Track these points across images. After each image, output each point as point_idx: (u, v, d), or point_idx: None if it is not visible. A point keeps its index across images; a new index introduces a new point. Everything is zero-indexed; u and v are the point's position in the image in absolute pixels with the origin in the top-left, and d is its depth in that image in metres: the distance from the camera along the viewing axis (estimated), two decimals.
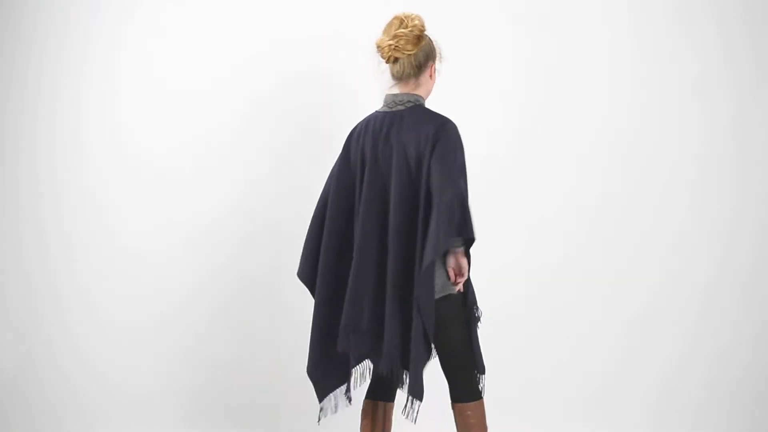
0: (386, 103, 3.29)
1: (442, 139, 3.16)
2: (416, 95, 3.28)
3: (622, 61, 4.52)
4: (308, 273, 3.37)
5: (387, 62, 3.27)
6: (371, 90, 4.37)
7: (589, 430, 4.40)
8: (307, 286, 3.39)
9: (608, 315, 4.50)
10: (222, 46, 4.48)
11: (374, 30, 4.33)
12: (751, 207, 4.52)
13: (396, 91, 3.30)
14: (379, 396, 3.37)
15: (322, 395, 3.34)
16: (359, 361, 3.31)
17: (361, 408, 3.42)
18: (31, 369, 4.47)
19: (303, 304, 4.36)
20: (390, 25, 3.26)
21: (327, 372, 3.32)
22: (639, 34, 4.52)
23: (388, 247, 3.19)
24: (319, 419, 3.36)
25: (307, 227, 3.38)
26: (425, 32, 3.27)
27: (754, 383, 4.48)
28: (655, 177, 4.51)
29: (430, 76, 3.31)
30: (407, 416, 3.17)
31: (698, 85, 4.52)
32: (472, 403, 3.27)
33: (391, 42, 3.23)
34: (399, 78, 3.28)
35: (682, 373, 4.49)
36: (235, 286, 4.46)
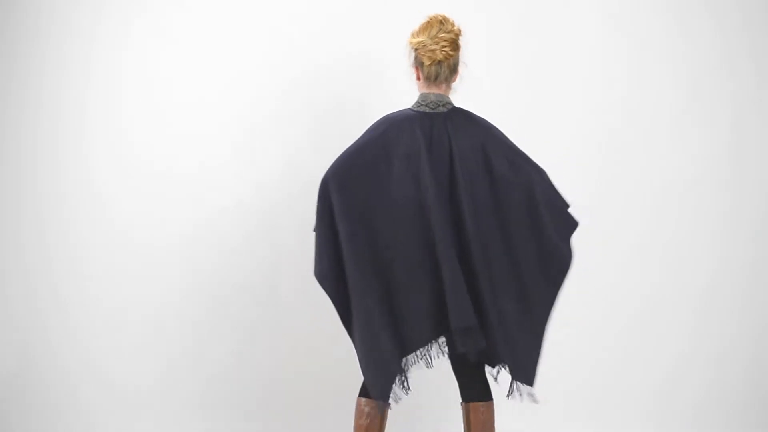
0: (426, 103, 3.29)
1: (496, 136, 3.31)
2: (449, 97, 3.33)
3: (621, 61, 4.52)
4: (330, 272, 3.22)
5: (429, 65, 3.26)
6: (377, 92, 4.40)
7: (590, 429, 4.41)
8: (327, 286, 3.22)
9: (608, 314, 4.50)
10: (225, 48, 4.48)
11: (377, 30, 4.40)
12: (751, 206, 4.52)
13: (428, 92, 3.30)
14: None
15: (384, 393, 3.20)
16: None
17: (359, 407, 3.31)
18: (31, 368, 4.47)
19: (301, 303, 4.41)
20: (429, 26, 3.26)
21: (383, 371, 3.21)
22: (637, 34, 4.52)
23: (472, 250, 3.16)
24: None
25: (317, 218, 3.23)
26: (461, 36, 3.30)
27: (756, 383, 4.49)
28: (655, 177, 4.52)
29: (455, 79, 3.35)
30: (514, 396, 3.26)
31: (697, 85, 4.52)
32: (486, 402, 3.32)
33: (434, 46, 3.24)
34: (435, 80, 3.29)
35: (684, 372, 4.49)
36: (236, 286, 4.46)
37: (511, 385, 3.24)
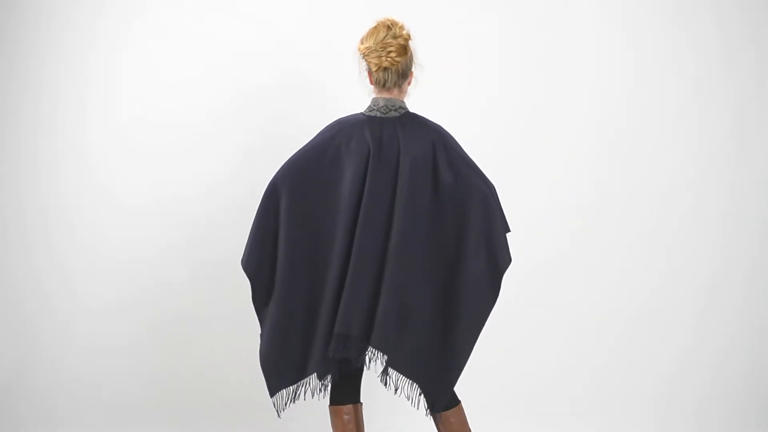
0: (377, 108, 3.23)
1: (448, 144, 3.21)
2: (403, 101, 3.28)
3: (621, 60, 4.52)
4: (258, 264, 3.23)
5: (375, 71, 3.21)
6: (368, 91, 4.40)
7: (593, 429, 4.40)
8: (253, 276, 3.24)
9: (610, 315, 4.50)
10: (222, 46, 4.47)
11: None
12: (752, 206, 4.52)
13: (379, 96, 3.25)
14: (352, 399, 3.30)
15: (276, 390, 3.24)
16: (335, 365, 3.19)
17: (332, 413, 3.29)
18: (31, 370, 4.47)
19: None
20: (376, 30, 3.20)
21: (284, 367, 3.22)
22: (638, 33, 4.52)
23: (392, 254, 3.11)
24: (279, 413, 3.27)
25: (258, 213, 3.23)
26: (410, 41, 3.23)
27: (756, 383, 4.49)
28: (656, 177, 4.52)
29: (409, 83, 3.29)
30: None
31: (698, 84, 4.52)
32: (453, 409, 3.28)
33: (380, 52, 3.17)
34: (384, 85, 3.23)
35: (684, 372, 4.49)
36: (239, 287, 4.46)
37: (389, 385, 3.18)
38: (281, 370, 3.21)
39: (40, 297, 4.48)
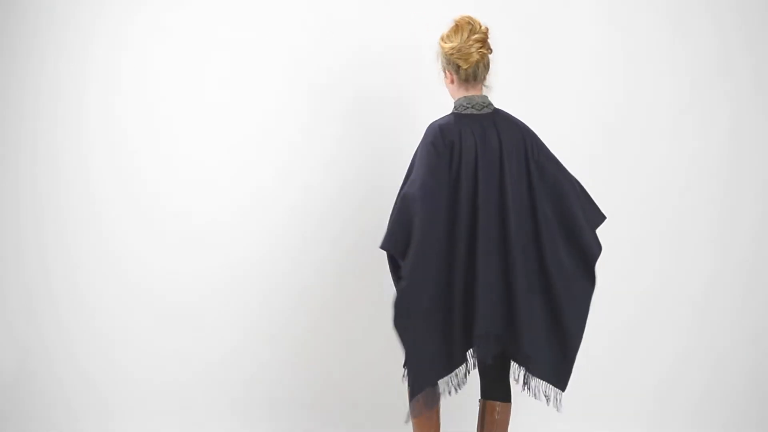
0: (471, 105, 3.35)
1: (534, 140, 3.38)
2: (488, 99, 3.41)
3: (619, 61, 4.53)
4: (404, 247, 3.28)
5: (466, 68, 3.32)
6: (382, 93, 4.39)
7: (592, 428, 4.41)
8: (399, 255, 3.27)
9: (609, 314, 4.50)
10: (225, 47, 4.47)
11: (383, 30, 4.40)
12: (749, 207, 4.53)
13: (468, 95, 3.37)
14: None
15: (420, 389, 3.29)
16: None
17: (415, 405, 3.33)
18: (28, 372, 4.46)
19: (303, 302, 4.41)
20: (460, 29, 3.33)
21: (429, 368, 3.29)
22: (636, 34, 4.53)
23: (512, 250, 3.24)
24: (410, 416, 3.32)
25: (401, 204, 3.28)
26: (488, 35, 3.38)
27: (754, 383, 4.49)
28: (653, 177, 4.52)
29: (488, 76, 3.44)
30: (556, 407, 3.36)
31: (696, 85, 4.52)
32: (504, 404, 3.41)
33: (471, 49, 3.29)
34: (474, 80, 3.36)
35: (682, 372, 4.50)
36: (234, 293, 4.46)
37: (525, 380, 3.33)
38: (427, 371, 3.27)
39: (45, 296, 4.49)
